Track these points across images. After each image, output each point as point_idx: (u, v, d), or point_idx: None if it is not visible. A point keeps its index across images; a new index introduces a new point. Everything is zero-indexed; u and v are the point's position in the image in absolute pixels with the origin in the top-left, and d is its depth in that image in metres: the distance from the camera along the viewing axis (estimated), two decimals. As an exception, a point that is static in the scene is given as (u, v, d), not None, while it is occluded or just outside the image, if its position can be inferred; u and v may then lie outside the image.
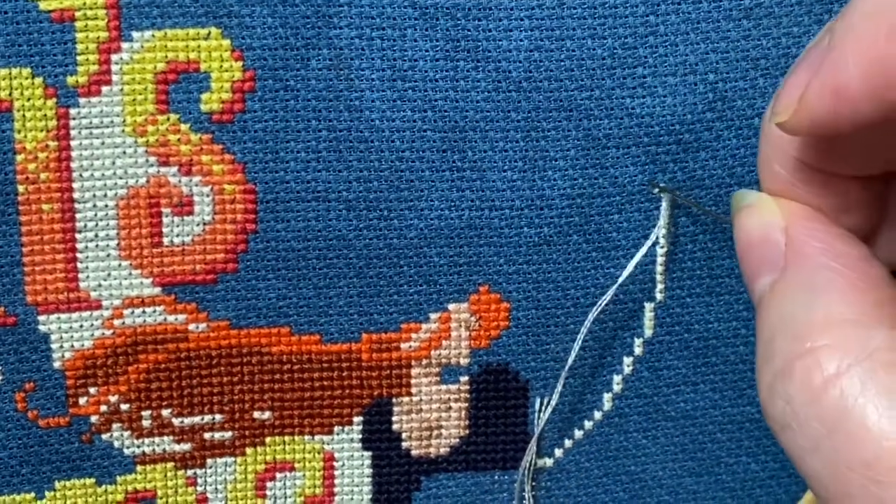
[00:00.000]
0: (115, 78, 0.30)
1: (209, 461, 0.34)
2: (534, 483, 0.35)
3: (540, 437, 0.35)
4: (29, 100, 0.30)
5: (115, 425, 0.33)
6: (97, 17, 0.30)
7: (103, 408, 0.33)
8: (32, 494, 0.34)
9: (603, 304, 0.33)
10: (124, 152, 0.31)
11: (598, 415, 0.35)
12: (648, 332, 0.34)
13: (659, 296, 0.34)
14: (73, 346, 0.32)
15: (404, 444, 0.35)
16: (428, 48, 0.31)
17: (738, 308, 0.34)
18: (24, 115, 0.30)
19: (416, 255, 0.32)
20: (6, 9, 0.29)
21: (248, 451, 0.34)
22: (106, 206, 0.31)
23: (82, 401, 0.33)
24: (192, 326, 0.33)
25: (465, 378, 0.34)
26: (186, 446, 0.34)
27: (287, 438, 0.34)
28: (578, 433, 0.35)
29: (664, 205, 0.32)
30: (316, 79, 0.31)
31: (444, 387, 0.34)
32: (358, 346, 0.33)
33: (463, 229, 0.32)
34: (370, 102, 0.31)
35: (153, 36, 0.30)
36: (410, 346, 0.33)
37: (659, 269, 0.33)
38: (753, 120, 0.32)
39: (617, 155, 0.32)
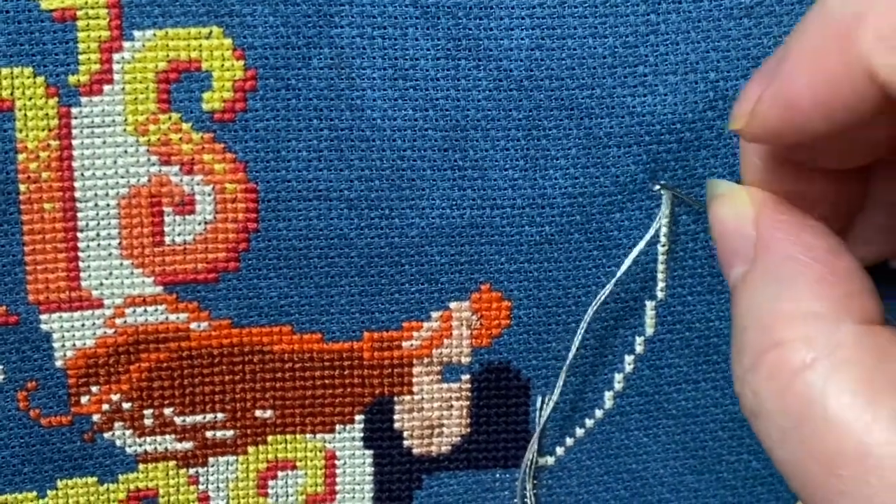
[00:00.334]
0: (116, 77, 0.30)
1: (211, 460, 0.34)
2: (535, 481, 0.35)
3: (541, 435, 0.35)
4: (30, 99, 0.30)
5: (116, 424, 0.33)
6: (98, 16, 0.30)
7: (105, 406, 0.33)
8: (34, 493, 0.34)
9: (601, 299, 0.33)
10: (126, 151, 0.31)
11: (599, 413, 0.35)
12: (650, 330, 0.34)
13: (660, 294, 0.34)
14: (74, 344, 0.32)
15: (406, 443, 0.35)
16: (429, 47, 0.31)
17: (739, 306, 0.34)
18: (25, 115, 0.30)
19: (418, 253, 0.32)
20: (8, 8, 0.29)
21: (250, 449, 0.34)
22: (107, 205, 0.31)
23: (84, 400, 0.33)
24: (193, 325, 0.33)
25: (466, 376, 0.34)
26: (188, 445, 0.34)
27: (289, 437, 0.34)
28: (580, 431, 0.35)
29: (665, 202, 0.32)
30: (317, 78, 0.31)
31: (445, 385, 0.34)
32: (359, 345, 0.33)
33: (464, 228, 0.32)
34: (371, 101, 0.31)
35: (155, 35, 0.30)
36: (412, 345, 0.34)
37: (660, 266, 0.33)
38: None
39: (618, 153, 0.32)
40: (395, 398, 0.34)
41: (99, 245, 0.32)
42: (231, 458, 0.34)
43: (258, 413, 0.34)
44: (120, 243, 0.32)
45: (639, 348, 0.34)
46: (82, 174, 0.31)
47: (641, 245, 0.32)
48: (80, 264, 0.32)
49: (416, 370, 0.34)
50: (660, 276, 0.33)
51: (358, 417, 0.34)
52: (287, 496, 0.35)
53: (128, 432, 0.34)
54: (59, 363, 0.32)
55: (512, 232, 0.32)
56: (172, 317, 0.33)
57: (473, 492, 0.35)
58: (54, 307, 0.32)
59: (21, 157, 0.31)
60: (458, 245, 0.32)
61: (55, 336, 0.32)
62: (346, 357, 0.33)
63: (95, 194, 0.31)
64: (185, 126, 0.31)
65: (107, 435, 0.33)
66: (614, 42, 0.31)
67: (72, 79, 0.30)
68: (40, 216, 0.31)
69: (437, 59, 0.31)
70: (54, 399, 0.33)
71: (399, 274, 0.33)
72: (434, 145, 0.31)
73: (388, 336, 0.33)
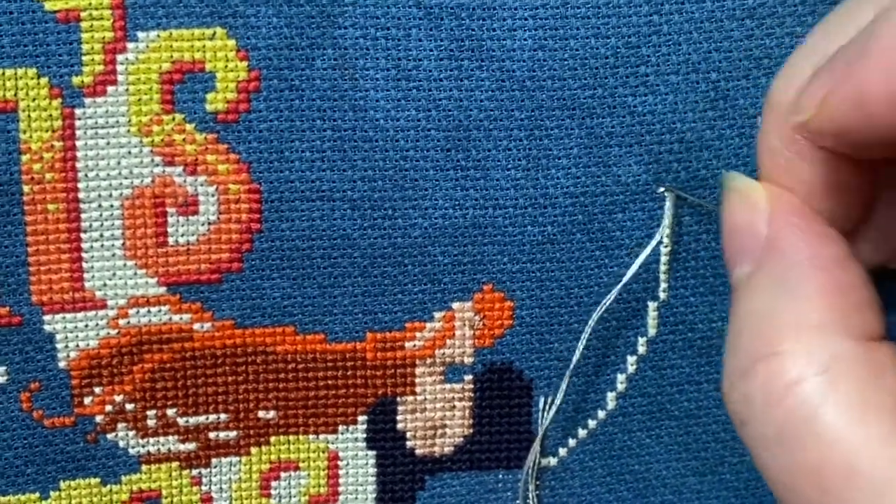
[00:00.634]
0: (120, 78, 0.30)
1: (214, 461, 0.34)
2: (538, 482, 0.35)
3: (544, 436, 0.35)
4: (34, 100, 0.30)
5: (120, 425, 0.33)
6: (102, 17, 0.30)
7: (108, 407, 0.33)
8: (37, 494, 0.34)
9: (607, 304, 0.33)
10: (129, 152, 0.31)
11: (601, 414, 0.35)
12: (652, 332, 0.34)
13: (662, 295, 0.34)
14: (78, 345, 0.32)
15: (409, 443, 0.35)
16: (432, 48, 0.31)
17: (741, 307, 0.34)
18: (29, 116, 0.30)
19: (421, 253, 0.32)
20: (11, 9, 0.29)
21: (253, 450, 0.34)
22: (111, 205, 0.31)
23: (87, 400, 0.33)
24: (196, 326, 0.33)
25: (469, 377, 0.34)
26: (191, 446, 0.34)
27: (292, 438, 0.34)
28: (582, 432, 0.35)
29: (668, 204, 0.32)
30: (321, 78, 0.31)
31: (448, 386, 0.34)
32: (362, 346, 0.33)
33: (467, 228, 0.32)
34: (375, 102, 0.31)
35: (158, 36, 0.30)
36: (415, 345, 0.34)
37: (662, 268, 0.33)
38: (756, 119, 0.32)
39: (620, 153, 0.32)
40: (398, 399, 0.34)
41: (102, 246, 0.32)
42: (234, 459, 0.34)
43: (261, 414, 0.34)
44: (123, 244, 0.32)
45: (641, 349, 0.34)
46: (86, 175, 0.31)
47: (648, 251, 0.32)
48: (84, 265, 0.32)
49: (418, 370, 0.34)
50: (662, 277, 0.33)
51: (361, 418, 0.34)
52: (290, 497, 0.35)
53: (131, 433, 0.34)
54: (62, 364, 0.32)
55: (514, 232, 0.32)
56: (176, 317, 0.33)
57: (476, 493, 0.35)
58: (58, 308, 0.32)
59: (25, 157, 0.31)
60: (460, 245, 0.32)
61: (58, 337, 0.32)
62: (348, 357, 0.33)
63: (99, 195, 0.31)
64: (188, 127, 0.31)
65: (110, 436, 0.33)
66: (617, 42, 0.31)
67: (76, 80, 0.30)
68: (44, 217, 0.31)
69: (440, 59, 0.31)
70: (57, 400, 0.33)
71: (402, 274, 0.33)
72: (437, 145, 0.31)
73: (390, 336, 0.33)
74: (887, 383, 0.24)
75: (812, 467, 0.24)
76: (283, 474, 0.35)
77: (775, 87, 0.28)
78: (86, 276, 0.32)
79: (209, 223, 0.32)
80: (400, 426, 0.34)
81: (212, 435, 0.34)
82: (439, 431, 0.35)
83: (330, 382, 0.34)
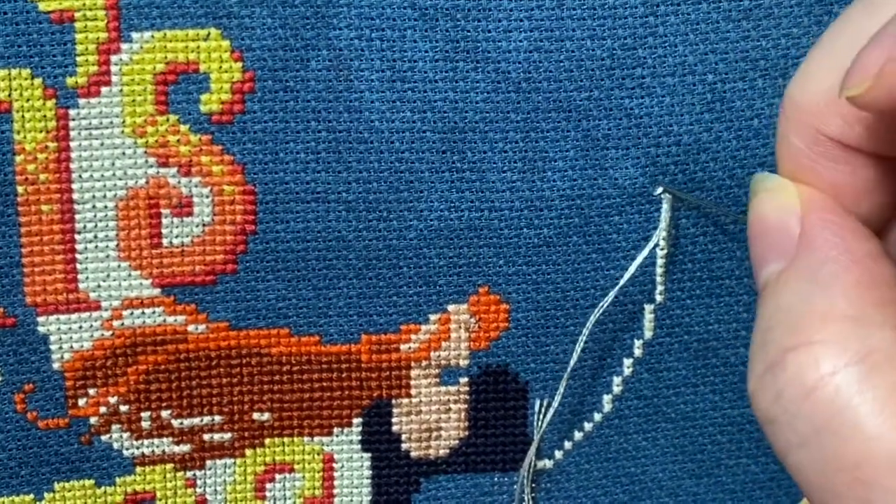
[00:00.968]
0: (114, 79, 0.30)
1: (208, 462, 0.34)
2: (533, 485, 0.35)
3: (539, 438, 0.35)
4: (28, 101, 0.30)
5: (114, 426, 0.33)
6: (97, 17, 0.30)
7: (102, 409, 0.33)
8: (31, 496, 0.34)
9: (604, 308, 0.33)
10: (124, 153, 0.31)
11: (597, 416, 0.35)
12: (648, 334, 0.34)
13: (659, 298, 0.34)
14: (72, 347, 0.32)
15: (404, 446, 0.35)
16: (427, 49, 0.31)
17: (738, 310, 0.34)
18: (23, 116, 0.30)
19: (416, 255, 0.32)
20: (5, 9, 0.29)
21: (248, 452, 0.34)
22: (105, 206, 0.31)
23: (81, 402, 0.33)
24: (191, 327, 0.33)
25: (464, 379, 0.34)
26: (186, 448, 0.34)
27: (286, 440, 0.34)
28: (578, 435, 0.35)
29: (665, 206, 0.32)
30: (315, 80, 0.31)
31: (443, 388, 0.34)
32: (357, 348, 0.33)
33: (462, 230, 0.32)
34: (369, 103, 0.31)
35: (153, 37, 0.30)
36: (410, 348, 0.33)
37: (659, 270, 0.33)
38: (752, 121, 0.32)
39: (616, 156, 0.32)
40: (393, 401, 0.34)
41: (97, 247, 0.32)
42: (228, 461, 0.34)
43: (256, 416, 0.34)
44: (118, 245, 0.32)
45: (638, 352, 0.34)
46: (80, 176, 0.31)
47: (644, 253, 0.32)
48: (78, 266, 0.32)
49: (414, 373, 0.34)
50: (659, 279, 0.33)
51: (356, 420, 0.34)
52: (285, 499, 0.35)
53: (125, 435, 0.33)
54: (56, 365, 0.32)
55: (510, 234, 0.32)
56: (170, 319, 0.32)
57: (471, 495, 0.35)
58: (52, 309, 0.32)
59: (19, 158, 0.31)
60: (456, 247, 0.32)
61: (52, 338, 0.32)
62: (343, 360, 0.33)
63: (93, 196, 0.31)
64: (183, 128, 0.31)
65: (104, 437, 0.33)
66: (612, 44, 0.31)
67: (70, 80, 0.30)
68: (38, 218, 0.31)
69: (436, 61, 0.31)
70: (51, 401, 0.33)
71: (397, 276, 0.33)
72: (432, 147, 0.31)
73: (385, 339, 0.33)
74: None
75: (852, 462, 0.23)
76: (277, 476, 0.35)
77: (793, 88, 0.27)
78: (80, 277, 0.32)
79: (203, 224, 0.32)
80: (395, 428, 0.34)
81: (206, 437, 0.34)
82: (434, 434, 0.35)
83: (325, 384, 0.34)
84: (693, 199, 0.32)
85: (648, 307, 0.34)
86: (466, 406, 0.34)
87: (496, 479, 0.35)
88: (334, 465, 0.35)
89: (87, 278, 0.32)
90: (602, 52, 0.31)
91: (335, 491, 0.35)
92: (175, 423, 0.34)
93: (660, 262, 0.33)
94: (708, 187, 0.32)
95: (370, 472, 0.35)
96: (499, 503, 0.35)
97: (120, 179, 0.31)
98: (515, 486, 0.35)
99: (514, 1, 0.30)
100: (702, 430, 0.35)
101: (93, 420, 0.33)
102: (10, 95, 0.30)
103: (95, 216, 0.31)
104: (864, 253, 0.25)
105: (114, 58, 0.30)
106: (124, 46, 0.30)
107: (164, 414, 0.33)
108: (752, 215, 0.27)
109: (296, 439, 0.34)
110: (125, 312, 0.32)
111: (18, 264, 0.31)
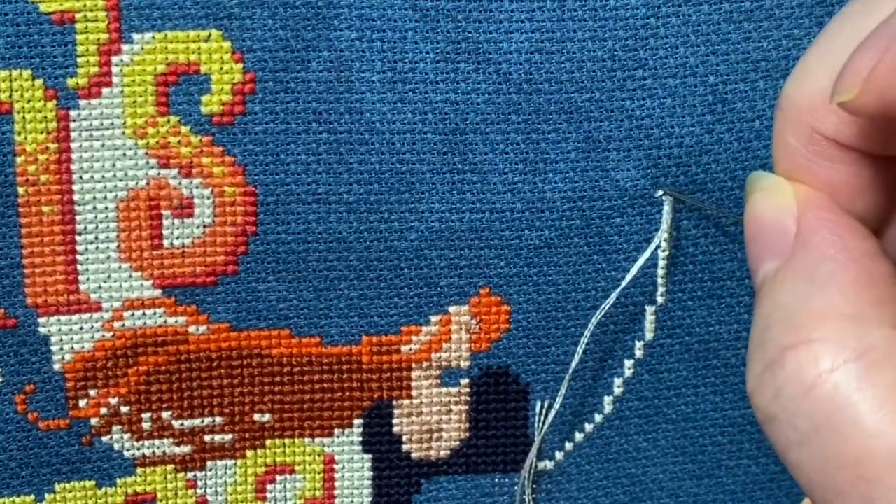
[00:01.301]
0: (115, 80, 0.30)
1: (209, 464, 0.34)
2: (534, 486, 0.35)
3: (540, 439, 0.35)
4: (29, 102, 0.30)
5: (114, 427, 0.33)
6: (97, 18, 0.30)
7: (103, 410, 0.33)
8: (32, 497, 0.34)
9: (605, 309, 0.33)
10: (124, 154, 0.31)
11: (598, 418, 0.35)
12: (649, 335, 0.34)
13: (660, 299, 0.33)
14: (73, 348, 0.32)
15: (404, 447, 0.35)
16: (428, 50, 0.31)
17: (739, 311, 0.34)
18: (24, 117, 0.30)
19: (417, 257, 0.32)
20: (6, 10, 0.29)
21: (248, 453, 0.34)
22: (106, 208, 0.31)
23: (82, 403, 0.33)
24: (192, 329, 0.33)
25: (465, 381, 0.34)
26: (186, 449, 0.34)
27: (287, 441, 0.34)
28: (579, 436, 0.35)
29: (666, 208, 0.32)
30: (316, 81, 0.31)
31: (444, 389, 0.34)
32: (358, 349, 0.33)
33: (463, 231, 0.32)
34: (370, 105, 0.31)
35: (153, 38, 0.30)
36: (411, 349, 0.33)
37: (660, 272, 0.33)
38: (754, 122, 0.32)
39: (617, 157, 0.32)
40: (394, 402, 0.34)
41: (97, 248, 0.32)
42: (229, 462, 0.34)
43: (256, 417, 0.34)
44: (118, 246, 0.32)
45: (639, 353, 0.34)
46: (81, 177, 0.31)
47: (646, 255, 0.32)
48: (79, 267, 0.32)
49: (414, 374, 0.34)
50: (660, 281, 0.33)
51: (357, 421, 0.34)
52: (285, 500, 0.35)
53: (126, 436, 0.33)
54: (57, 366, 0.32)
55: (511, 236, 0.32)
56: (171, 320, 0.32)
57: (472, 496, 0.35)
58: (52, 310, 0.32)
59: (20, 159, 0.31)
60: (457, 249, 0.32)
61: (53, 339, 0.32)
62: (344, 361, 0.33)
63: (94, 197, 0.31)
64: (183, 129, 0.31)
65: (105, 438, 0.33)
66: (614, 45, 0.31)
67: (70, 81, 0.30)
68: (39, 219, 0.31)
69: (437, 62, 0.31)
70: (52, 402, 0.33)
71: (398, 278, 0.33)
72: (433, 149, 0.31)
73: (386, 340, 0.33)
74: None
75: (853, 459, 0.23)
76: (278, 477, 0.35)
77: (789, 87, 0.27)
78: (81, 278, 0.32)
79: (204, 226, 0.32)
80: (396, 430, 0.34)
81: (207, 438, 0.34)
82: (435, 435, 0.35)
83: (325, 386, 0.34)
84: (694, 201, 0.32)
85: (649, 308, 0.34)
86: (467, 407, 0.34)
87: (497, 480, 0.35)
88: (335, 466, 0.35)
89: (87, 279, 0.32)
90: (603, 53, 0.31)
91: (336, 492, 0.35)
92: (176, 424, 0.34)
93: (661, 263, 0.33)
94: (709, 189, 0.32)
95: (371, 473, 0.35)
96: (499, 504, 0.35)
97: (121, 180, 0.31)
98: (516, 487, 0.35)
99: (516, 2, 0.30)
100: (702, 431, 0.35)
101: (93, 421, 0.33)
102: (10, 96, 0.30)
103: (96, 217, 0.31)
104: (861, 251, 0.25)
105: (114, 59, 0.30)
106: (125, 47, 0.30)
107: (165, 415, 0.33)
108: (748, 214, 0.28)
109: (296, 440, 0.34)
110: (126, 313, 0.32)
111: (19, 265, 0.31)
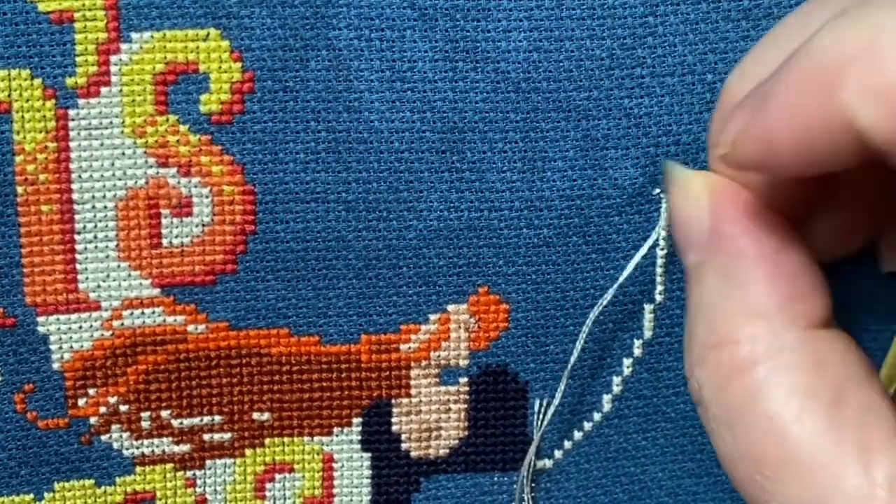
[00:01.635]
0: (114, 79, 0.30)
1: (208, 462, 0.34)
2: (533, 484, 0.35)
3: (539, 438, 0.35)
4: (28, 101, 0.30)
5: (114, 426, 0.33)
6: (96, 18, 0.30)
7: (102, 409, 0.33)
8: (31, 496, 0.34)
9: (603, 305, 0.33)
10: (123, 153, 0.31)
11: (597, 416, 0.35)
12: (648, 334, 0.34)
13: (658, 297, 0.34)
14: (72, 347, 0.32)
15: (403, 446, 0.35)
16: (427, 49, 0.31)
17: (738, 309, 0.34)
18: (22, 117, 0.30)
19: (415, 256, 0.32)
20: (5, 10, 0.29)
21: (248, 452, 0.34)
22: (105, 207, 0.31)
23: (81, 402, 0.33)
24: (191, 327, 0.33)
25: (464, 379, 0.34)
26: (185, 447, 0.34)
27: (286, 440, 0.34)
28: (578, 434, 0.35)
29: (664, 206, 0.32)
30: (315, 80, 0.31)
31: (443, 388, 0.34)
32: (357, 348, 0.33)
33: (462, 230, 0.32)
34: (369, 103, 0.31)
35: (152, 37, 0.30)
36: (410, 348, 0.33)
37: (659, 270, 0.33)
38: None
39: (616, 156, 0.32)
40: (393, 401, 0.34)
41: (96, 247, 0.32)
42: (228, 461, 0.34)
43: (255, 416, 0.34)
44: (117, 245, 0.32)
45: (637, 352, 0.34)
46: (80, 176, 0.31)
47: (643, 252, 0.32)
48: (78, 266, 0.32)
49: (413, 373, 0.34)
50: (658, 279, 0.33)
51: (356, 420, 0.34)
52: (284, 499, 0.35)
53: (125, 435, 0.33)
54: (56, 365, 0.32)
55: (510, 234, 0.32)
56: (170, 319, 0.32)
57: (471, 495, 0.35)
58: (51, 309, 0.32)
59: (18, 158, 0.31)
60: (455, 247, 0.32)
61: (52, 338, 0.32)
62: (343, 360, 0.33)
63: (93, 196, 0.31)
64: (182, 128, 0.31)
65: (104, 437, 0.33)
66: (612, 44, 0.31)
67: (69, 81, 0.30)
68: (38, 218, 0.31)
69: (435, 61, 0.31)
70: (51, 401, 0.33)
71: (397, 276, 0.33)
72: (432, 147, 0.31)
73: (385, 339, 0.33)
74: (827, 374, 0.25)
75: (752, 452, 0.25)
76: (277, 476, 0.35)
77: (730, 79, 0.28)
78: (80, 277, 0.32)
79: (203, 225, 0.32)
80: (395, 428, 0.34)
81: (206, 437, 0.34)
82: (434, 434, 0.35)
83: (324, 384, 0.34)
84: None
85: (648, 307, 0.34)
86: (466, 406, 0.34)
87: (496, 478, 0.35)
88: (334, 464, 0.35)
89: (86, 278, 0.32)
90: (601, 51, 0.31)
91: (335, 490, 0.35)
92: (175, 422, 0.34)
93: (659, 261, 0.33)
94: (707, 187, 0.32)
95: (370, 471, 0.35)
96: (499, 503, 0.35)
97: (119, 180, 0.31)
98: (515, 486, 0.35)
99: (514, 1, 0.30)
100: (701, 429, 0.35)
101: (93, 420, 0.33)
102: (9, 96, 0.30)
103: (95, 216, 0.31)
104: (773, 247, 0.27)
105: (113, 58, 0.30)
106: (124, 47, 0.30)
107: (164, 414, 0.33)
108: (669, 205, 0.29)
109: (296, 439, 0.34)
110: (125, 312, 0.32)
111: (18, 264, 0.31)
